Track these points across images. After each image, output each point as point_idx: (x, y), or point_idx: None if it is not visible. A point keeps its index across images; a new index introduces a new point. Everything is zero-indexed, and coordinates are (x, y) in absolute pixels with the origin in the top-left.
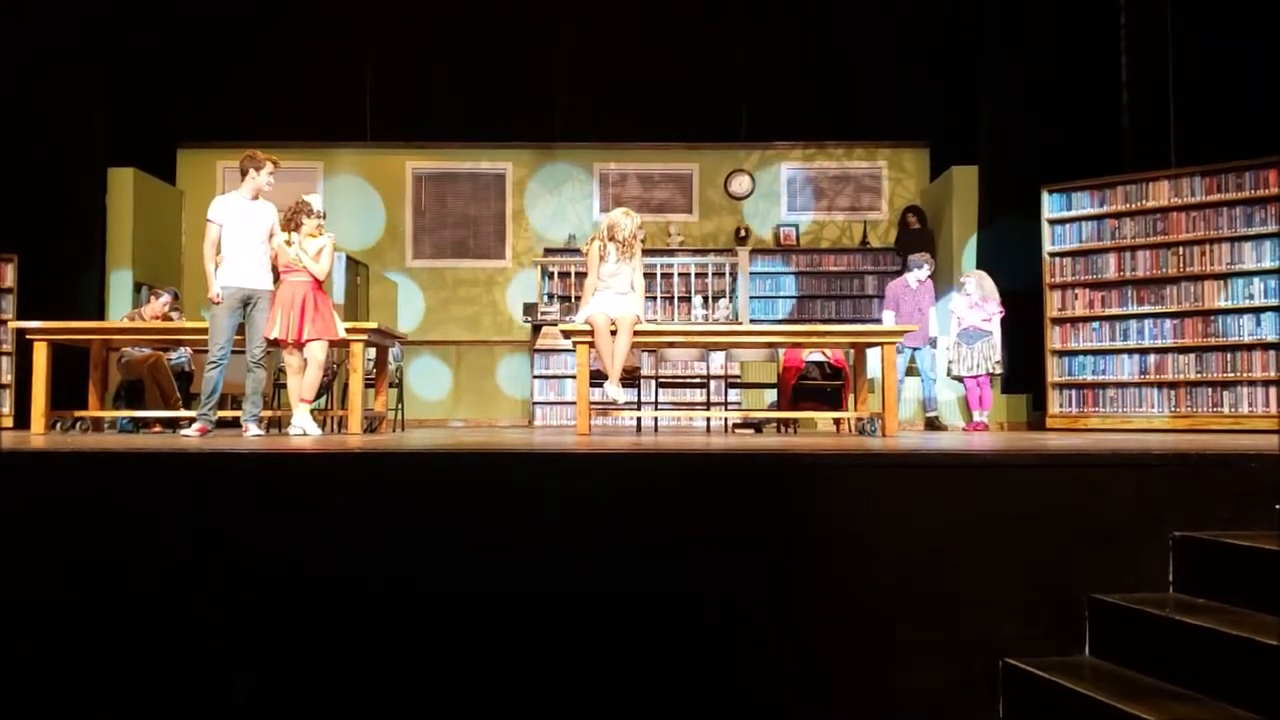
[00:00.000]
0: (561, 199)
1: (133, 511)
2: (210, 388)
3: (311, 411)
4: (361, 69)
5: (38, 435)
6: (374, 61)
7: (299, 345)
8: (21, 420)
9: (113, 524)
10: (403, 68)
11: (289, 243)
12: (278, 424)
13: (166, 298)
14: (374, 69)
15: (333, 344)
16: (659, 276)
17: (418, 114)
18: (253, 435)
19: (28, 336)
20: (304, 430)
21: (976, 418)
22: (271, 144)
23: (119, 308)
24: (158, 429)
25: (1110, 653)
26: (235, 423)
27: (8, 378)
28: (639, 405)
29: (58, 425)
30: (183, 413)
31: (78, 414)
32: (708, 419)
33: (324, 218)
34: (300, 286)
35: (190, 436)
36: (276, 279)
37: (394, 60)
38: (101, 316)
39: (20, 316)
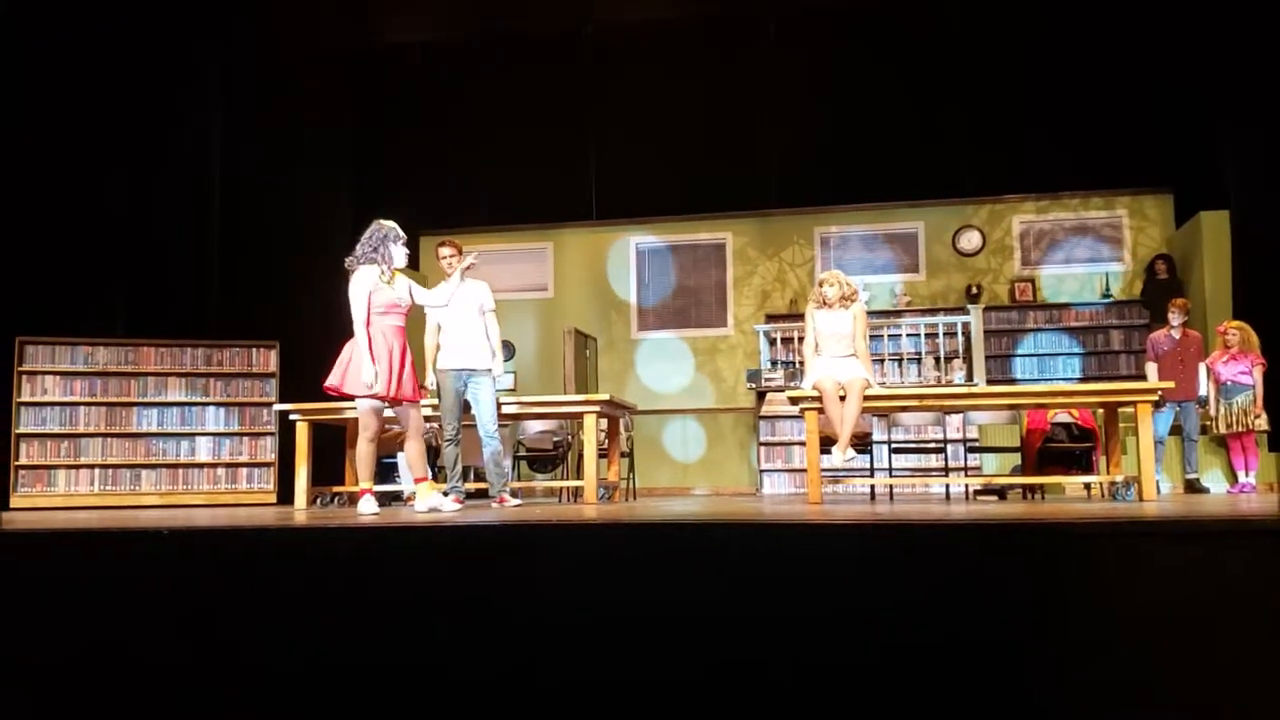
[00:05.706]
0: (781, 264)
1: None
2: (450, 462)
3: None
4: (585, 153)
5: (300, 510)
6: (595, 145)
7: (395, 402)
8: (285, 495)
9: (368, 597)
10: (622, 149)
11: (383, 275)
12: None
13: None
14: (596, 153)
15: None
16: (886, 338)
17: (639, 191)
18: (513, 505)
19: (290, 418)
20: (435, 507)
21: (1242, 479)
22: (505, 228)
23: None
24: (411, 500)
25: None
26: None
27: (272, 455)
28: (871, 472)
29: (318, 500)
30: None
31: (335, 489)
32: (946, 485)
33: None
34: (392, 333)
35: (451, 508)
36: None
37: (614, 142)
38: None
39: (281, 399)
